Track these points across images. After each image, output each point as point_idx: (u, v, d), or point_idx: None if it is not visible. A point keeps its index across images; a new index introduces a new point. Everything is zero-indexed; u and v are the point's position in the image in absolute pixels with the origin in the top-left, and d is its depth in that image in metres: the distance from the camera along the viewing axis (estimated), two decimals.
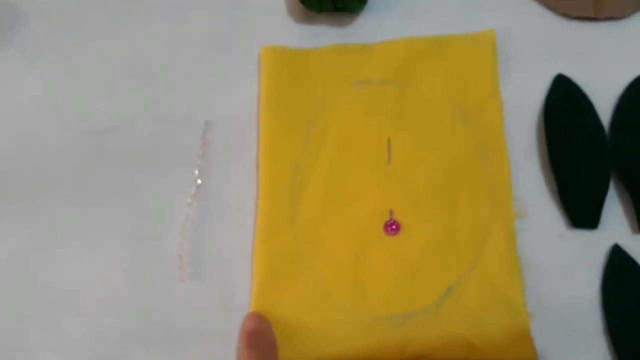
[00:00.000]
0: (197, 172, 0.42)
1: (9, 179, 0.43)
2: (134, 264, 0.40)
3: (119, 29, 0.47)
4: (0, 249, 0.41)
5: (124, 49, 0.46)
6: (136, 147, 0.43)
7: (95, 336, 0.39)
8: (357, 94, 0.43)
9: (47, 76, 0.46)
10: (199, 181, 0.42)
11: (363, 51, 0.44)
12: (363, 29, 0.46)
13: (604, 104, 0.42)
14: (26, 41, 0.47)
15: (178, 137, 0.43)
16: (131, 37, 0.46)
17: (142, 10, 0.47)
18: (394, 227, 0.39)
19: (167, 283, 0.40)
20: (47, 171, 0.43)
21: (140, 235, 0.41)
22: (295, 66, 0.44)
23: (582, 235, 0.39)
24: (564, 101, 0.42)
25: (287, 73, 0.44)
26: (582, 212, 0.39)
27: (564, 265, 0.38)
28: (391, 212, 0.39)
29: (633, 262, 0.38)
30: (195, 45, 0.46)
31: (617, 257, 0.38)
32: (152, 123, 0.44)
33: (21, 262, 0.41)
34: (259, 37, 0.45)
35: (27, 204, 0.42)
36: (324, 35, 0.45)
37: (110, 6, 0.47)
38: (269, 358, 0.36)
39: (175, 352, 0.38)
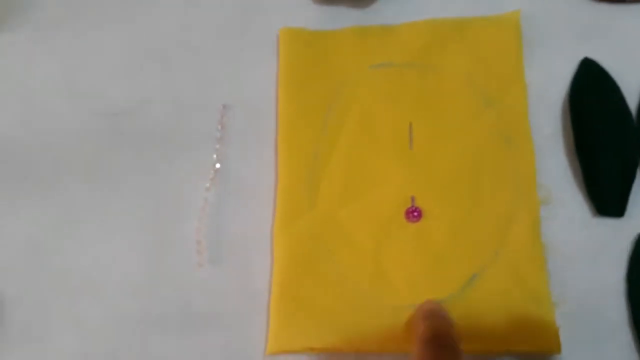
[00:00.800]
0: (215, 156, 0.41)
1: (25, 162, 0.43)
2: (152, 248, 0.40)
3: (134, 10, 0.46)
4: (18, 233, 0.41)
5: (140, 30, 0.45)
6: (153, 130, 0.43)
7: (113, 320, 0.39)
8: (377, 77, 0.42)
9: (62, 58, 0.45)
10: (218, 165, 0.41)
11: (383, 33, 0.43)
12: (384, 10, 0.44)
13: (632, 88, 0.40)
14: (40, 23, 0.46)
15: (196, 121, 0.43)
16: (147, 19, 0.46)
17: None
18: (415, 213, 0.38)
19: (185, 267, 0.39)
20: (63, 155, 0.43)
21: (158, 219, 0.41)
22: (314, 48, 0.43)
23: (608, 224, 0.38)
24: (591, 85, 0.41)
25: (306, 55, 0.43)
26: (607, 200, 0.38)
27: (589, 254, 0.38)
28: (413, 199, 0.39)
29: None
30: (212, 26, 0.45)
31: None
32: (169, 106, 0.43)
33: (39, 246, 0.41)
34: (278, 18, 0.44)
35: (44, 188, 0.42)
36: (343, 16, 0.44)
37: None
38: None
39: (194, 336, 0.38)
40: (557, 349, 0.35)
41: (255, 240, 0.40)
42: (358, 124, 0.41)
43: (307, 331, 0.36)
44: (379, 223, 0.38)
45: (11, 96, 0.45)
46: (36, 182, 0.42)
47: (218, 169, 0.41)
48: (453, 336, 0.32)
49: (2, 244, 0.41)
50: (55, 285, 0.40)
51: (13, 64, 0.46)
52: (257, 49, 0.44)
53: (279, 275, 0.38)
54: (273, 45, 0.44)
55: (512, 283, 0.36)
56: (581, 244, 0.38)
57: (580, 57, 0.42)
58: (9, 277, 0.40)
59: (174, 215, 0.41)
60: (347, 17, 0.44)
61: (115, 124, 0.43)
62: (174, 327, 0.38)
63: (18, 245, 0.41)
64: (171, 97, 0.44)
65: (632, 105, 0.40)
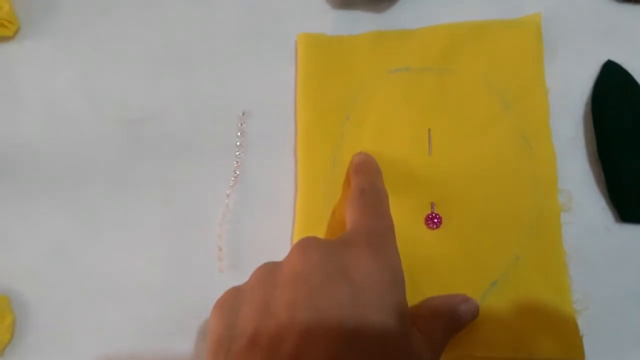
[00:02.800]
0: (235, 163, 0.42)
1: (48, 169, 0.43)
2: (173, 254, 0.41)
3: (153, 16, 0.46)
4: (42, 238, 0.42)
5: (159, 36, 0.46)
6: (173, 137, 0.43)
7: (135, 325, 0.40)
8: (395, 82, 0.42)
9: (82, 65, 0.46)
10: (237, 172, 0.41)
11: (402, 37, 0.43)
12: (402, 14, 0.44)
13: None
14: (60, 30, 0.47)
15: (215, 127, 0.43)
16: (166, 25, 0.46)
17: None
18: (435, 220, 0.38)
19: (206, 273, 0.40)
20: (84, 161, 0.43)
21: (179, 225, 0.41)
22: (332, 53, 0.43)
23: (631, 230, 0.38)
24: (614, 89, 0.40)
25: (324, 60, 0.43)
26: (630, 206, 0.38)
27: (612, 261, 0.37)
28: (432, 205, 0.39)
29: None
30: (230, 32, 0.45)
31: None
32: (188, 113, 0.44)
33: (62, 252, 0.41)
34: (295, 23, 0.44)
35: (67, 195, 0.43)
36: (361, 21, 0.44)
37: None
38: (378, 180, 0.37)
39: None
40: (581, 356, 0.35)
41: (275, 247, 0.40)
42: (376, 130, 0.41)
43: None
44: (399, 229, 0.38)
45: (33, 103, 0.45)
46: (59, 189, 0.43)
47: (238, 175, 0.41)
48: (379, 187, 0.36)
49: (26, 249, 0.42)
50: (78, 291, 0.41)
51: (34, 71, 0.46)
52: (275, 55, 0.44)
53: None
54: (291, 50, 0.44)
55: (533, 290, 0.36)
56: (603, 251, 0.37)
57: (603, 59, 0.41)
58: (32, 282, 0.41)
59: (194, 222, 0.41)
60: (365, 22, 0.44)
61: (135, 131, 0.44)
62: (195, 332, 0.39)
63: (41, 251, 0.42)
64: (191, 103, 0.44)
65: None
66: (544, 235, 0.37)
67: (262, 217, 0.41)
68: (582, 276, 0.37)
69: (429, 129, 0.40)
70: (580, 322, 0.36)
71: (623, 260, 0.37)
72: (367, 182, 0.36)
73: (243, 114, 0.43)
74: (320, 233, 0.39)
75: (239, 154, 0.42)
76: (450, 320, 0.33)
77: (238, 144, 0.42)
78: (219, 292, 0.39)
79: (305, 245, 0.31)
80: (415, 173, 0.39)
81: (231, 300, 0.31)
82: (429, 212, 0.38)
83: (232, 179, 0.41)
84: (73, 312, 0.40)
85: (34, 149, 0.44)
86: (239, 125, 0.42)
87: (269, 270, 0.31)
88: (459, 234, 0.38)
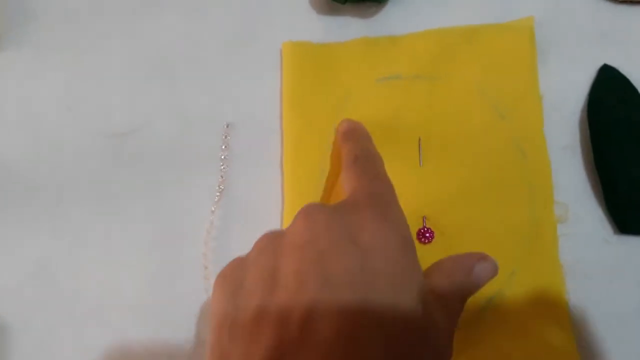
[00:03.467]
0: (220, 177, 0.40)
1: (29, 185, 0.42)
2: (158, 274, 0.39)
3: (136, 26, 0.45)
4: (22, 257, 0.41)
5: (141, 47, 0.44)
6: (157, 150, 0.42)
7: (120, 346, 0.38)
8: (384, 91, 0.41)
9: (63, 77, 0.45)
10: (222, 187, 0.40)
11: (390, 44, 0.42)
12: (390, 19, 0.43)
13: None
14: (40, 40, 0.46)
15: (199, 140, 0.42)
16: (149, 35, 0.45)
17: (159, 7, 0.45)
18: (427, 235, 0.37)
19: (193, 293, 0.39)
20: (67, 177, 0.42)
21: (164, 243, 0.40)
22: (319, 62, 0.42)
23: (630, 242, 0.36)
24: (610, 94, 0.39)
25: (311, 69, 0.41)
26: (629, 217, 0.36)
27: (611, 274, 0.36)
28: (424, 219, 0.37)
29: None
30: (214, 42, 0.44)
31: None
32: (172, 125, 0.42)
33: (44, 270, 0.40)
34: (281, 31, 0.43)
35: (48, 212, 0.41)
36: (349, 27, 0.43)
37: (128, 5, 0.46)
38: (370, 145, 0.35)
39: None
40: None
41: None
42: None
43: None
44: None
45: (13, 116, 0.44)
46: (40, 206, 0.42)
47: (223, 190, 0.40)
48: (373, 151, 0.34)
49: (6, 269, 0.40)
50: (60, 312, 0.39)
51: (14, 83, 0.45)
52: (261, 64, 0.43)
53: None
54: (277, 59, 0.43)
55: (529, 304, 0.35)
56: (601, 264, 0.36)
57: (599, 63, 0.40)
58: (12, 303, 0.40)
59: (180, 239, 0.40)
60: (353, 28, 0.43)
61: (119, 144, 0.42)
62: (182, 355, 0.38)
63: (22, 270, 0.40)
64: (174, 115, 0.43)
65: None
66: (540, 249, 0.36)
67: (249, 234, 0.39)
68: (580, 290, 0.36)
69: (420, 139, 0.39)
70: (577, 337, 0.34)
71: (623, 274, 0.36)
72: (359, 148, 0.34)
73: (227, 126, 0.41)
74: None
75: (224, 168, 0.41)
76: (466, 282, 0.29)
77: (222, 157, 0.41)
78: (205, 312, 0.38)
79: (310, 212, 0.28)
80: (405, 185, 0.38)
81: (235, 271, 0.29)
82: (421, 226, 0.37)
83: (217, 194, 0.40)
84: (56, 335, 0.39)
85: (13, 163, 0.43)
86: (223, 137, 0.41)
87: (272, 238, 0.29)
88: (451, 249, 0.36)
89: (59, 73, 0.45)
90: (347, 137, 0.36)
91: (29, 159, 0.43)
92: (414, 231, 0.37)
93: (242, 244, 0.39)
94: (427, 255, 0.36)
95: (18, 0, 0.47)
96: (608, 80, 0.39)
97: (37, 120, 0.44)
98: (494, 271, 0.30)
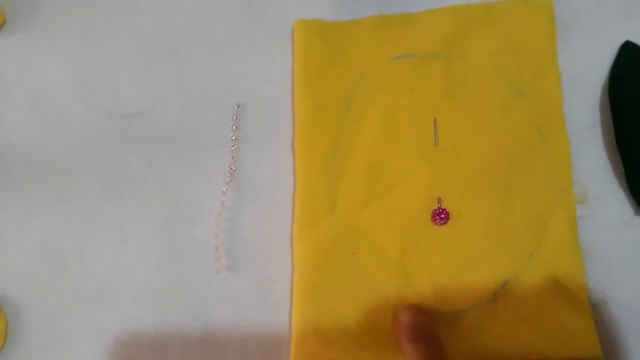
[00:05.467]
0: (231, 158, 0.40)
1: (39, 167, 0.42)
2: (169, 255, 0.39)
3: (143, 6, 0.44)
4: (33, 240, 0.41)
5: (150, 27, 0.44)
6: (166, 131, 0.41)
7: (130, 328, 0.38)
8: (399, 69, 0.39)
9: (71, 59, 0.44)
10: (233, 167, 0.39)
11: (405, 22, 0.40)
12: None
13: None
14: (47, 22, 0.45)
15: (210, 120, 0.41)
16: (157, 15, 0.44)
17: None
18: (442, 216, 0.36)
19: (203, 274, 0.38)
20: (77, 159, 0.42)
21: (174, 224, 0.39)
22: (331, 41, 0.41)
23: None
24: (633, 72, 0.37)
25: (323, 48, 0.40)
26: None
27: (631, 256, 0.35)
28: (439, 200, 0.36)
29: None
30: (225, 20, 0.43)
31: None
32: (182, 105, 0.42)
33: (54, 253, 0.40)
34: (292, 9, 0.42)
35: (58, 194, 0.41)
36: (362, 4, 0.42)
37: None
38: (438, 352, 0.32)
39: (213, 345, 0.37)
40: (597, 354, 0.33)
41: (274, 245, 0.38)
42: (379, 120, 0.39)
43: (332, 340, 0.35)
44: (404, 226, 0.36)
45: (22, 99, 0.44)
46: (50, 188, 0.41)
47: (234, 171, 0.39)
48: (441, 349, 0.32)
49: (16, 251, 0.40)
50: (71, 293, 0.39)
51: (22, 65, 0.44)
52: (272, 43, 0.42)
53: (300, 281, 0.36)
54: (288, 37, 0.42)
55: (547, 289, 0.34)
56: (622, 245, 0.35)
57: (621, 40, 0.38)
58: (24, 285, 0.40)
59: (190, 220, 0.39)
60: (367, 5, 0.42)
61: (128, 125, 0.42)
62: (192, 336, 0.37)
63: (32, 252, 0.40)
64: (184, 95, 0.42)
65: None
66: (559, 231, 0.35)
67: (260, 214, 0.39)
68: (600, 272, 0.35)
69: (435, 119, 0.38)
70: (597, 320, 0.34)
71: None
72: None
73: (238, 107, 0.41)
74: (321, 231, 0.37)
75: (235, 148, 0.40)
76: None
77: (233, 137, 0.40)
78: (216, 294, 0.38)
79: None
80: (420, 166, 0.37)
81: None
82: (436, 207, 0.36)
83: (228, 174, 0.39)
84: (66, 316, 0.39)
85: (22, 146, 0.42)
86: (234, 118, 0.40)
87: None
88: (467, 231, 0.36)
89: (66, 54, 0.44)
90: (413, 336, 0.33)
91: (37, 142, 0.42)
92: (429, 212, 0.36)
93: (253, 225, 0.39)
94: (443, 238, 0.36)
95: None
96: (630, 58, 0.38)
97: (46, 102, 0.43)
98: None
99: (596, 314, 0.34)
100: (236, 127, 0.40)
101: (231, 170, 0.40)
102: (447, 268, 0.35)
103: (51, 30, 0.45)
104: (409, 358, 0.32)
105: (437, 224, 0.36)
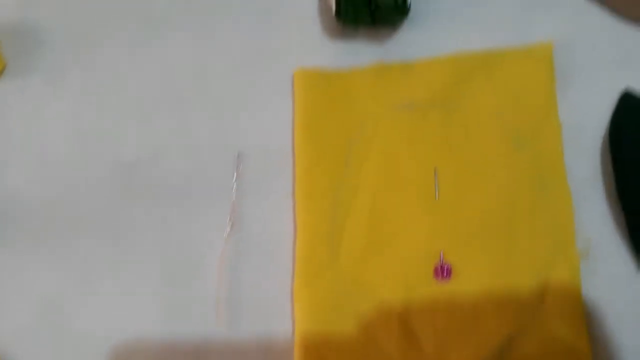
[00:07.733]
0: (231, 207, 0.40)
1: (35, 217, 0.41)
2: (169, 308, 0.39)
3: (145, 54, 0.44)
4: (31, 293, 0.40)
5: (152, 75, 0.44)
6: (168, 181, 0.41)
7: None
8: (399, 120, 0.40)
9: (71, 104, 0.44)
10: (233, 218, 0.39)
11: (404, 71, 0.41)
12: (404, 44, 0.42)
13: None
14: (49, 67, 0.45)
15: (210, 170, 0.41)
16: (159, 63, 0.44)
17: (169, 34, 0.44)
18: (445, 273, 0.36)
19: (204, 327, 0.38)
20: (77, 209, 0.41)
21: (175, 277, 0.39)
22: (332, 90, 0.41)
23: None
24: (633, 121, 0.37)
25: (323, 98, 0.41)
26: None
27: (635, 314, 0.35)
28: (441, 254, 0.36)
29: None
30: (227, 69, 0.43)
31: None
32: (183, 155, 0.42)
33: (54, 308, 0.39)
34: (293, 57, 0.42)
35: (58, 246, 0.41)
36: (362, 52, 0.42)
37: (136, 31, 0.45)
38: None
39: None
40: None
41: (275, 299, 0.38)
42: (379, 171, 0.39)
43: None
44: (406, 281, 0.36)
45: (23, 146, 0.44)
46: (49, 239, 0.41)
47: (234, 221, 0.39)
48: None
49: (15, 307, 0.40)
50: (71, 350, 0.39)
51: (23, 111, 0.44)
52: (273, 92, 0.42)
53: (301, 337, 0.36)
54: (289, 86, 0.42)
55: (550, 345, 0.34)
56: (626, 303, 0.35)
57: (620, 88, 0.38)
58: (22, 341, 0.39)
59: (191, 272, 0.39)
60: (366, 53, 0.42)
61: (129, 174, 0.42)
62: None
63: (32, 308, 0.40)
64: (185, 144, 0.42)
65: None
66: (562, 286, 0.35)
67: (261, 267, 0.39)
68: (603, 330, 0.34)
69: (435, 169, 0.38)
70: None
71: None
72: None
73: (238, 156, 0.41)
74: (322, 284, 0.37)
75: (235, 199, 0.40)
76: None
77: (234, 188, 0.40)
78: (217, 348, 0.38)
79: None
80: (422, 218, 0.37)
81: None
82: (438, 260, 0.36)
83: (229, 225, 0.39)
84: None
85: (21, 195, 0.42)
86: (235, 168, 0.40)
87: None
88: (471, 287, 0.35)
89: (67, 100, 0.44)
90: None
91: (37, 191, 0.42)
92: (431, 267, 0.36)
93: (254, 277, 0.38)
94: (446, 294, 0.36)
95: (27, 26, 0.46)
96: (630, 106, 0.38)
97: (46, 150, 0.43)
98: None
99: None
100: (237, 177, 0.40)
101: (232, 220, 0.39)
102: (450, 323, 0.35)
103: (52, 75, 0.45)
104: None
105: (440, 280, 0.36)
